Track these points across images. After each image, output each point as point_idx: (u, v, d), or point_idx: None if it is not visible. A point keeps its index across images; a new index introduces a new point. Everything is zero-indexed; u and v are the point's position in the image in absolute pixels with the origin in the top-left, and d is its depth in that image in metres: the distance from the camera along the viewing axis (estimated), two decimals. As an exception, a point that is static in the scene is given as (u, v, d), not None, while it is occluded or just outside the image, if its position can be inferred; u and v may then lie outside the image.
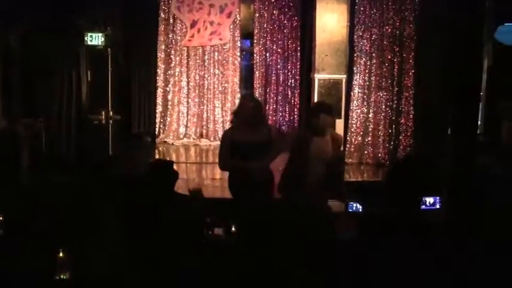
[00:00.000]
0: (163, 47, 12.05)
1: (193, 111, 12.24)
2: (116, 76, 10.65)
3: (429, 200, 6.18)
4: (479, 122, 11.25)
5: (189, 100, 12.22)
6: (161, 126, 12.22)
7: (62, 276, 3.96)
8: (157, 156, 10.88)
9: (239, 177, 5.68)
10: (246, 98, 5.89)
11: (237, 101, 12.16)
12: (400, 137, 10.90)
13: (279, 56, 12.32)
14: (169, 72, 12.10)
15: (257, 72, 12.38)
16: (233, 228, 5.54)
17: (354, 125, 11.25)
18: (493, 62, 11.02)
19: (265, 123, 5.82)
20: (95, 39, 9.88)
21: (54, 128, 9.82)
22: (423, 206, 6.07)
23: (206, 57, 12.18)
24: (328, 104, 6.38)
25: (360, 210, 5.78)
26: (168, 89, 12.14)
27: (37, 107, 9.59)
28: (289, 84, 12.35)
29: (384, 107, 11.09)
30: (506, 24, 10.35)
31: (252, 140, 5.57)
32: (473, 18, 10.57)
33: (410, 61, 11.22)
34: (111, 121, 10.41)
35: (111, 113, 10.38)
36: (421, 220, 5.53)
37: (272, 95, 12.38)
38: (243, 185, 5.63)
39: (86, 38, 9.82)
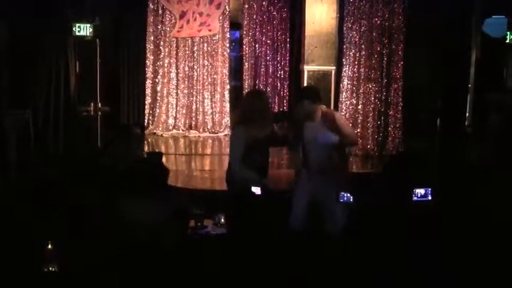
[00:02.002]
0: (152, 38, 11.99)
1: (182, 103, 12.21)
2: (104, 67, 10.59)
3: (420, 191, 6.22)
4: (467, 114, 11.30)
5: (178, 91, 12.19)
6: (150, 117, 12.18)
7: (50, 269, 3.95)
8: (146, 148, 10.86)
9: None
10: (255, 96, 5.79)
11: (226, 93, 12.19)
12: (389, 129, 10.92)
13: (268, 47, 12.31)
14: (158, 63, 12.06)
15: (246, 64, 12.37)
16: (222, 220, 5.56)
17: (344, 117, 11.27)
18: (480, 54, 11.05)
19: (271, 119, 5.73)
20: (83, 30, 9.81)
21: (41, 119, 9.76)
22: (415, 198, 6.14)
23: (195, 48, 12.14)
24: (311, 90, 6.22)
25: (351, 200, 5.80)
26: (157, 80, 12.09)
27: (24, 98, 9.52)
28: (278, 75, 12.35)
29: (373, 98, 11.10)
30: (493, 16, 10.37)
31: (261, 137, 5.54)
32: (461, 11, 10.61)
33: (399, 53, 11.23)
34: (99, 113, 10.37)
35: (99, 104, 10.33)
36: (413, 212, 5.59)
37: (261, 87, 12.36)
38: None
39: (73, 29, 9.74)
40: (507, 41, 10.71)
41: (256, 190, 5.38)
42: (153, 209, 4.43)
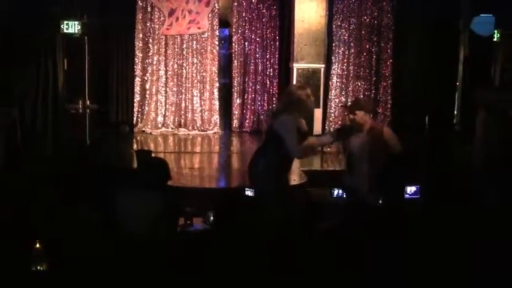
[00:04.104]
0: (141, 35, 11.94)
1: (171, 101, 12.17)
2: (93, 65, 10.55)
3: (411, 188, 6.26)
4: (455, 111, 11.36)
5: (167, 89, 12.14)
6: (139, 115, 12.13)
7: (38, 268, 3.93)
8: (135, 146, 10.82)
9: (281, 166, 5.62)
10: (302, 89, 5.81)
11: (215, 90, 12.16)
12: (378, 126, 10.94)
13: (257, 45, 12.29)
14: (147, 61, 12.01)
15: (235, 61, 12.35)
16: (211, 218, 5.55)
17: (333, 114, 11.31)
18: (468, 52, 11.11)
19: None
20: (71, 27, 9.77)
21: (30, 117, 9.70)
22: (406, 195, 6.18)
23: (184, 46, 12.11)
24: (367, 102, 6.42)
25: (344, 197, 5.85)
26: (146, 78, 12.04)
27: (12, 96, 9.47)
28: (267, 73, 12.34)
29: (362, 96, 11.14)
30: (481, 15, 10.43)
31: (300, 128, 5.60)
32: (450, 9, 10.66)
33: (388, 51, 11.29)
34: (88, 110, 10.32)
35: (88, 102, 10.29)
36: (403, 209, 5.62)
37: (251, 84, 12.36)
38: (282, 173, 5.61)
39: (62, 26, 9.70)
40: (495, 39, 10.79)
41: (249, 192, 5.40)
42: (144, 206, 4.42)
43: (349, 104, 6.07)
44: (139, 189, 4.49)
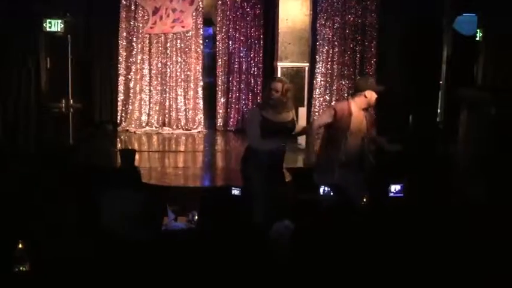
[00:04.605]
0: (124, 34, 11.89)
1: (155, 99, 12.13)
2: (76, 63, 10.47)
3: (395, 187, 6.28)
4: (438, 110, 11.42)
5: (151, 88, 12.11)
6: (123, 114, 12.08)
7: (21, 268, 3.89)
8: (119, 145, 10.77)
9: (263, 155, 5.58)
10: (277, 80, 5.81)
11: (200, 89, 12.15)
12: (362, 125, 10.97)
13: (241, 43, 12.29)
14: (131, 59, 11.96)
15: (220, 60, 12.34)
16: (196, 217, 5.54)
17: (317, 113, 11.32)
18: (452, 51, 11.18)
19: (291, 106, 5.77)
20: (54, 25, 9.69)
21: (12, 116, 9.61)
22: (390, 194, 6.20)
23: (168, 44, 12.08)
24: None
25: (331, 194, 5.85)
26: (129, 76, 12.00)
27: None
28: (252, 72, 12.34)
29: (346, 95, 11.17)
30: (464, 14, 10.49)
31: (277, 122, 5.56)
32: (433, 9, 10.71)
33: (372, 50, 11.33)
34: (71, 109, 10.25)
35: (71, 101, 10.21)
36: (387, 205, 5.65)
37: (235, 83, 12.36)
38: (264, 163, 5.58)
39: (44, 25, 9.62)
40: (477, 39, 10.85)
41: (235, 191, 5.39)
42: (125, 206, 4.40)
43: (367, 82, 5.97)
44: (121, 188, 4.47)
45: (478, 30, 10.71)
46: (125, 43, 11.91)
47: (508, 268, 4.36)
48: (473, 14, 10.43)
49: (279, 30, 10.75)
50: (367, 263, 4.35)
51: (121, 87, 11.99)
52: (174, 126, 12.12)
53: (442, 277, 4.24)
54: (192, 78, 12.17)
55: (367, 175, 6.03)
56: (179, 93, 12.15)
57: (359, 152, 5.87)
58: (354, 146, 5.84)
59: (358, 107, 5.82)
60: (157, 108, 12.14)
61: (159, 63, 12.09)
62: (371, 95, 5.84)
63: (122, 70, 11.95)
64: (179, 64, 12.13)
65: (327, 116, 5.87)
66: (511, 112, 7.37)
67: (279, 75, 10.64)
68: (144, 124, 12.05)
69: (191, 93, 12.17)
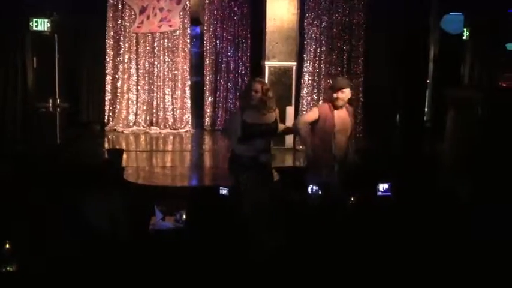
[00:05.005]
0: (112, 33, 11.85)
1: (142, 99, 12.10)
2: (63, 63, 10.43)
3: (383, 186, 6.32)
4: (426, 109, 11.47)
5: (139, 87, 12.07)
6: (110, 114, 12.04)
7: (8, 269, 3.88)
8: (107, 145, 10.73)
9: (246, 159, 5.60)
10: (257, 81, 5.82)
11: (187, 88, 12.14)
12: (350, 124, 11.00)
13: (229, 43, 12.29)
14: (118, 59, 11.92)
15: (207, 60, 12.34)
16: (183, 216, 5.53)
17: (304, 112, 11.32)
18: (439, 50, 11.24)
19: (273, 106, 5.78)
20: (41, 25, 9.65)
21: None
22: (378, 193, 6.24)
23: (156, 44, 12.05)
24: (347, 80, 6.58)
25: (319, 193, 5.88)
26: (117, 76, 11.96)
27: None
28: (239, 71, 12.35)
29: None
30: (451, 13, 10.54)
31: (259, 123, 5.57)
32: (420, 8, 10.76)
33: (360, 49, 11.35)
34: (58, 109, 10.21)
35: (58, 100, 10.17)
36: (375, 205, 5.67)
37: (222, 82, 12.36)
38: (249, 166, 5.59)
39: (31, 24, 9.57)
40: (464, 38, 10.92)
41: (223, 191, 5.39)
42: (110, 205, 4.39)
43: (336, 81, 6.18)
44: (106, 188, 4.46)
45: (465, 29, 10.78)
46: (112, 42, 11.87)
47: (493, 264, 4.40)
48: (460, 13, 10.49)
49: (267, 30, 10.74)
50: (356, 260, 4.37)
51: (108, 87, 11.95)
52: (162, 126, 12.10)
53: (429, 272, 4.27)
54: (179, 77, 12.15)
55: (353, 173, 6.09)
56: (167, 92, 12.13)
57: (344, 151, 5.98)
58: (340, 144, 5.94)
59: (336, 106, 6.00)
60: (144, 107, 12.12)
61: (147, 63, 12.06)
62: (343, 93, 6.00)
63: (109, 69, 11.91)
64: (167, 63, 12.11)
65: (312, 113, 6.13)
66: (498, 111, 7.41)
67: (266, 74, 10.64)
68: (131, 124, 12.02)
69: (179, 92, 12.15)
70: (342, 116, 5.99)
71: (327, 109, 6.01)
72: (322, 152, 5.93)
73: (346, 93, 6.00)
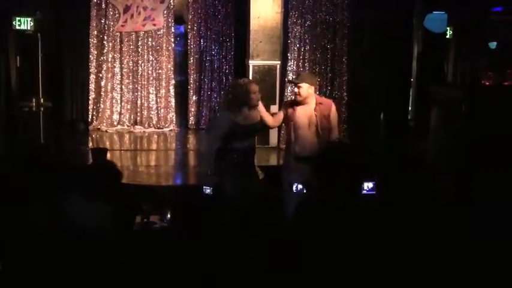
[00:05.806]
0: (95, 32, 11.80)
1: (127, 98, 12.07)
2: (46, 62, 10.37)
3: (367, 185, 6.33)
4: (410, 108, 11.53)
5: (123, 87, 12.03)
6: (94, 113, 11.99)
7: (-9, 269, 3.85)
8: (91, 144, 10.69)
9: (232, 159, 5.62)
10: (251, 82, 5.84)
11: (171, 88, 12.12)
12: (334, 123, 11.03)
13: (213, 41, 12.28)
14: (102, 58, 11.87)
15: (191, 58, 12.32)
16: (168, 215, 5.53)
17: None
18: (422, 49, 11.30)
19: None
20: (24, 23, 9.59)
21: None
22: (363, 191, 6.25)
23: (140, 43, 12.01)
24: (311, 76, 6.87)
25: (304, 191, 5.88)
26: (101, 75, 11.91)
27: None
28: (223, 70, 12.35)
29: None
30: (434, 12, 10.60)
31: (245, 124, 5.58)
32: (404, 7, 10.80)
33: (344, 48, 11.38)
34: (42, 108, 10.15)
35: (42, 100, 10.12)
36: (360, 204, 5.68)
37: (206, 81, 12.35)
38: (234, 166, 5.61)
39: (13, 23, 9.51)
40: (447, 36, 10.99)
41: (207, 190, 5.38)
42: (96, 206, 4.37)
43: (294, 77, 6.30)
44: (91, 188, 4.43)
45: (448, 28, 10.85)
46: (95, 41, 11.82)
47: (478, 264, 4.43)
48: (443, 12, 10.55)
49: (251, 28, 10.75)
50: (341, 260, 4.38)
51: (92, 86, 11.90)
52: (146, 125, 12.07)
53: (415, 271, 4.29)
54: (163, 76, 12.13)
55: (337, 168, 6.09)
56: (151, 91, 12.11)
57: (314, 147, 5.93)
58: (305, 140, 5.94)
59: (296, 101, 6.09)
60: (128, 106, 12.08)
61: (131, 62, 12.02)
62: (300, 87, 6.02)
63: (93, 69, 11.86)
64: (151, 62, 12.08)
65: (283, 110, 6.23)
66: (481, 109, 7.47)
67: (250, 73, 10.64)
68: (115, 123, 11.97)
69: (163, 91, 12.12)
70: (304, 112, 5.99)
71: (288, 104, 6.18)
72: (287, 149, 6.07)
73: (303, 89, 5.97)
